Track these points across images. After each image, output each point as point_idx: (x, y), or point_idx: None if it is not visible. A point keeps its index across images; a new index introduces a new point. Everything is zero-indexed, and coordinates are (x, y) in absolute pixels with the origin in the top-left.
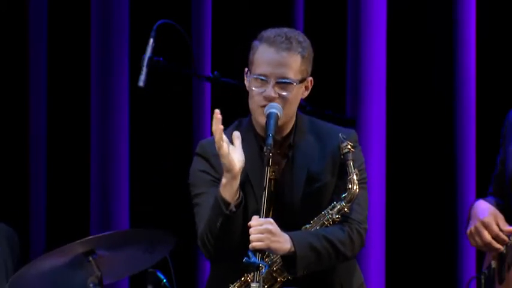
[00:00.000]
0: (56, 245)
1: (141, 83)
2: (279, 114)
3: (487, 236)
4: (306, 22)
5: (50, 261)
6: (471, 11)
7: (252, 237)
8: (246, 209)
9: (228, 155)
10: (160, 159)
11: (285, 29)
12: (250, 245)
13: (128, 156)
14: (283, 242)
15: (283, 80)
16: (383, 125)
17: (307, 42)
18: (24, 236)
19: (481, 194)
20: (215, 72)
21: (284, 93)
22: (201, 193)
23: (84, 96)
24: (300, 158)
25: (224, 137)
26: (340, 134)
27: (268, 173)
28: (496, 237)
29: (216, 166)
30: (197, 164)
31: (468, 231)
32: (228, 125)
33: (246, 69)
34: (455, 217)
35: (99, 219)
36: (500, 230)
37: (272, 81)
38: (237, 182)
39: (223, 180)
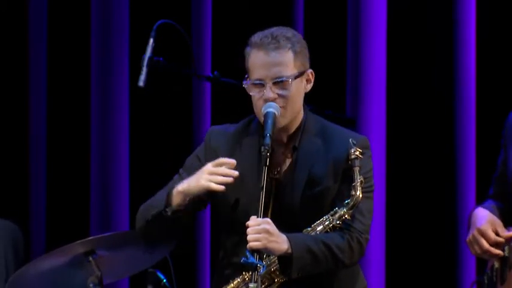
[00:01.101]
0: (56, 245)
1: (141, 83)
2: (276, 113)
3: (485, 243)
4: (306, 22)
5: (50, 261)
6: (471, 11)
7: (249, 237)
8: (245, 209)
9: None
10: (160, 159)
11: (273, 29)
12: (247, 245)
13: (128, 156)
14: (281, 242)
15: (279, 79)
16: (383, 125)
17: (297, 37)
18: (25, 236)
19: (481, 195)
20: (215, 72)
21: (282, 92)
22: (179, 173)
23: (84, 96)
24: (303, 160)
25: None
26: (350, 140)
27: (267, 173)
28: (494, 244)
29: (208, 158)
30: (199, 148)
31: (467, 239)
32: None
33: (246, 75)
34: (455, 219)
35: (99, 219)
36: (499, 235)
37: (269, 83)
38: (192, 197)
39: (185, 186)
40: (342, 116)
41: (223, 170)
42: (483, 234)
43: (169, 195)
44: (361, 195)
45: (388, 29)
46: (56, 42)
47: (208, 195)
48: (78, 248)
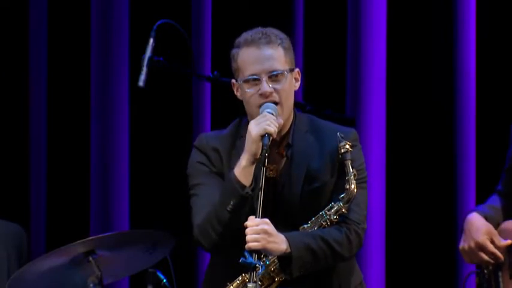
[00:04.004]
0: (56, 245)
1: (141, 83)
2: (274, 114)
3: (484, 256)
4: (306, 22)
5: (50, 261)
6: (471, 11)
7: (248, 237)
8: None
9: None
10: (160, 159)
11: (259, 28)
12: (246, 246)
13: (128, 156)
14: (279, 242)
15: (275, 72)
16: (383, 124)
17: (283, 35)
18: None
19: (481, 194)
20: (215, 72)
21: (278, 86)
22: (198, 184)
23: (84, 96)
24: (299, 157)
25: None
26: (338, 134)
27: (265, 172)
28: (492, 256)
29: (213, 160)
30: (195, 156)
31: (461, 247)
32: (227, 124)
33: (233, 80)
34: (454, 216)
35: (99, 219)
36: (496, 246)
37: (264, 77)
38: (253, 167)
39: (243, 163)
40: (342, 116)
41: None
42: (482, 248)
43: (232, 182)
44: (355, 189)
45: (388, 29)
46: (56, 42)
47: None
48: (78, 248)
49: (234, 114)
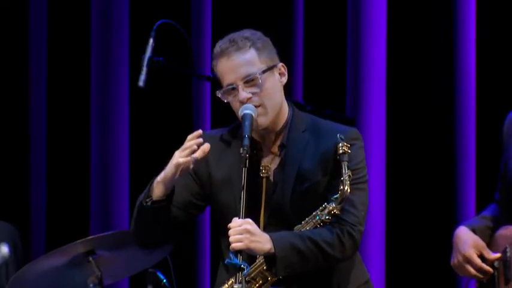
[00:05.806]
0: (56, 245)
1: (141, 83)
2: (253, 114)
3: (471, 270)
4: (306, 22)
5: (50, 261)
6: (471, 11)
7: (231, 238)
8: (235, 210)
9: (188, 166)
10: (160, 159)
11: (230, 35)
12: (230, 247)
13: (127, 156)
14: (263, 242)
15: (248, 78)
16: (383, 125)
17: (256, 35)
18: (24, 236)
19: (481, 194)
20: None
21: (256, 89)
22: None
23: (84, 96)
24: (292, 157)
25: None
26: (338, 135)
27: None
28: (480, 270)
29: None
30: None
31: (452, 263)
32: (226, 124)
33: (216, 92)
34: (454, 216)
35: (99, 219)
36: (484, 257)
37: (240, 84)
38: (172, 185)
39: (162, 175)
40: (342, 116)
41: (189, 143)
42: (468, 261)
43: (150, 187)
44: (349, 190)
45: (388, 28)
46: (56, 42)
47: (201, 198)
48: (78, 248)
49: (234, 114)
